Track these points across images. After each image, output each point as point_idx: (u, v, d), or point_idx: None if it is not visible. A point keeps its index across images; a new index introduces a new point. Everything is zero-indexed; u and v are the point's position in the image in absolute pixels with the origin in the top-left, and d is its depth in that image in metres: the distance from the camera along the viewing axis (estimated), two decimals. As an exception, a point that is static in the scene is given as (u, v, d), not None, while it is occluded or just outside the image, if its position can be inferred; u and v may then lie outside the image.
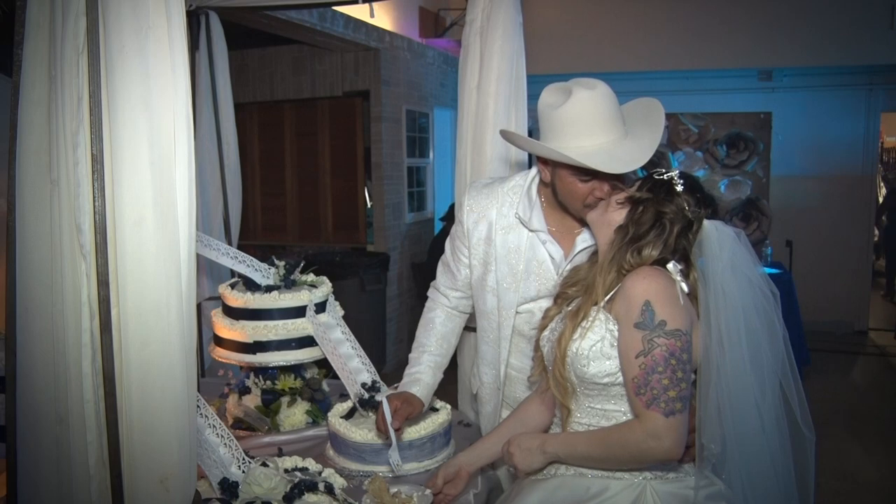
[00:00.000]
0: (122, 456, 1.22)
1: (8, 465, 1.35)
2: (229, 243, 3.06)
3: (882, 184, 8.79)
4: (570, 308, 1.54)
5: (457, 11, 6.13)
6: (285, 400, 2.20)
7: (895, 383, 5.57)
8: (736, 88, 6.83)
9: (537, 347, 1.63)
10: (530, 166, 1.87)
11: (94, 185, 1.18)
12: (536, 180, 1.80)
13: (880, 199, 8.38)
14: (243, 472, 1.61)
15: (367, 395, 1.99)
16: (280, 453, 1.87)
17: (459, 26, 5.79)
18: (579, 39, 6.49)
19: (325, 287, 2.24)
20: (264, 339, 2.12)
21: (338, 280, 2.91)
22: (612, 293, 1.44)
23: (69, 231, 1.21)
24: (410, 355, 1.93)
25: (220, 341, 2.22)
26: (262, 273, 2.27)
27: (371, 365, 2.13)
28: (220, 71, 3.02)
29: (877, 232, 7.91)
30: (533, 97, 1.82)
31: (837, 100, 6.70)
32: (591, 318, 1.44)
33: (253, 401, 2.21)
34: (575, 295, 1.57)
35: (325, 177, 5.75)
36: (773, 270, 5.28)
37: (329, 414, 1.99)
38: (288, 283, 2.22)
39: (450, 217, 5.14)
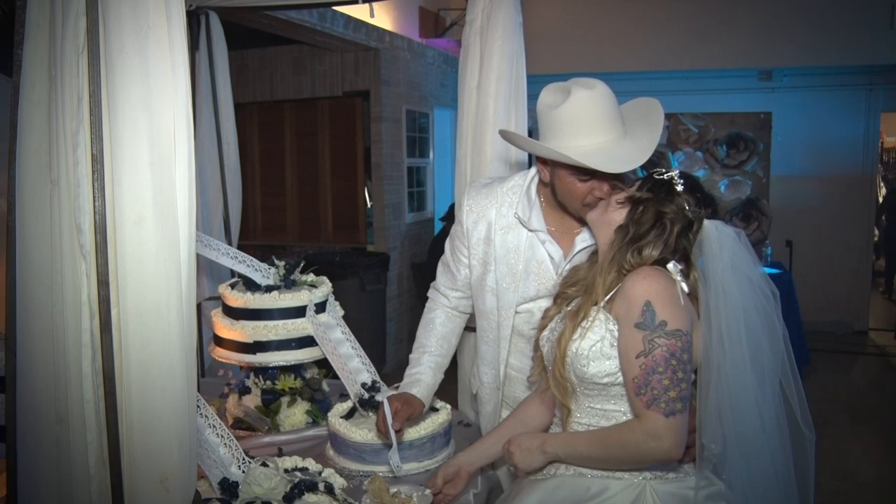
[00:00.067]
0: (122, 456, 1.22)
1: (8, 465, 1.35)
2: (229, 243, 3.06)
3: (882, 184, 8.79)
4: (569, 308, 1.54)
5: (457, 11, 6.13)
6: (285, 400, 2.20)
7: (895, 383, 5.57)
8: (736, 88, 6.83)
9: (537, 347, 1.63)
10: (530, 166, 1.87)
11: (94, 185, 1.18)
12: (536, 180, 1.80)
13: (880, 199, 8.38)
14: (243, 472, 1.61)
15: (367, 395, 1.99)
16: (280, 453, 1.87)
17: (459, 26, 5.79)
18: (579, 39, 6.48)
19: (325, 287, 2.24)
20: (264, 339, 2.12)
21: (338, 280, 2.91)
22: (612, 293, 1.44)
23: (69, 231, 1.21)
24: (411, 356, 1.93)
25: (220, 341, 2.22)
26: (262, 273, 2.27)
27: (371, 365, 2.13)
28: (220, 71, 3.02)
29: (877, 232, 7.91)
30: (533, 97, 1.82)
31: (837, 100, 6.70)
32: (591, 318, 1.44)
33: (253, 401, 2.21)
34: (575, 295, 1.57)
35: (325, 177, 5.75)
36: (773, 270, 5.28)
37: (329, 414, 1.99)
38: (288, 283, 2.22)
39: (450, 217, 5.13)
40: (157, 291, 1.21)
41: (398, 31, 5.74)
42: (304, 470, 1.69)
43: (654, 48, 6.37)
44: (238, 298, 2.15)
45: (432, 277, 2.00)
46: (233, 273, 2.51)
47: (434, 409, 1.97)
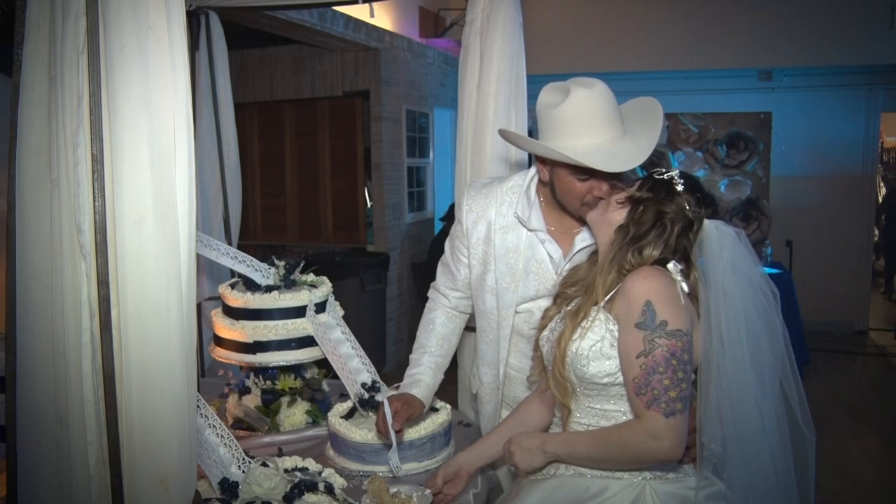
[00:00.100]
0: (122, 456, 1.22)
1: (8, 465, 1.35)
2: (229, 243, 3.06)
3: (882, 184, 8.79)
4: (569, 308, 1.54)
5: (457, 11, 6.13)
6: (285, 400, 2.20)
7: (895, 383, 5.57)
8: (736, 88, 6.83)
9: (537, 347, 1.63)
10: (530, 166, 1.87)
11: (94, 185, 1.18)
12: (535, 180, 1.80)
13: (880, 199, 8.38)
14: (243, 472, 1.61)
15: (367, 395, 1.99)
16: (280, 453, 1.87)
17: (459, 26, 5.79)
18: (579, 39, 6.49)
19: (325, 287, 2.24)
20: (264, 339, 2.12)
21: (338, 280, 2.91)
22: (612, 293, 1.44)
23: (69, 231, 1.21)
24: (411, 356, 1.93)
25: (220, 341, 2.22)
26: (262, 273, 2.27)
27: (371, 365, 2.13)
28: (220, 71, 3.02)
29: (877, 232, 7.91)
30: (533, 97, 1.82)
31: (837, 100, 6.70)
32: (591, 318, 1.44)
33: (253, 401, 2.21)
34: (574, 295, 1.57)
35: (325, 177, 5.75)
36: (773, 270, 5.28)
37: (329, 414, 1.99)
38: (288, 283, 2.22)
39: (450, 217, 5.13)
40: (157, 291, 1.20)
41: (398, 31, 5.74)
42: (304, 470, 1.69)
43: (654, 48, 6.37)
44: (238, 298, 2.15)
45: (432, 277, 2.00)
46: (233, 273, 2.51)
47: (434, 409, 1.97)
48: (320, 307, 2.20)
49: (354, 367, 2.10)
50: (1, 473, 1.55)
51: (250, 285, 2.22)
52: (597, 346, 1.42)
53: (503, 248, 1.81)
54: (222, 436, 1.66)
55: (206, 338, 2.73)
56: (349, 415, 1.98)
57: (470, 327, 2.05)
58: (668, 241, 1.43)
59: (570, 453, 1.46)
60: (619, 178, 1.61)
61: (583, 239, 1.74)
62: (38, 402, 1.29)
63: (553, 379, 1.50)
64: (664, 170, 1.50)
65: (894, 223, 8.33)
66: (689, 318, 1.39)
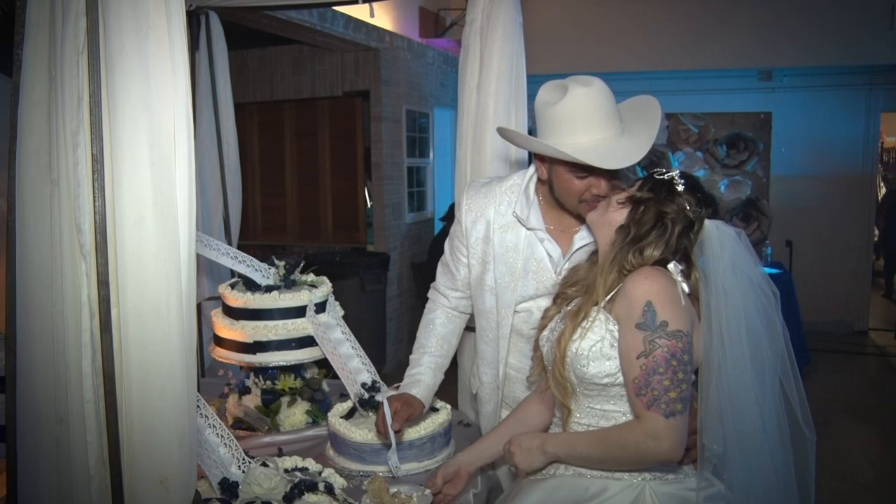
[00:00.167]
0: (122, 456, 1.22)
1: (8, 465, 1.35)
2: (229, 243, 3.06)
3: (882, 184, 8.79)
4: (569, 308, 1.54)
5: (457, 11, 6.13)
6: (285, 400, 2.20)
7: (895, 383, 5.57)
8: (736, 88, 6.83)
9: (536, 347, 1.63)
10: (530, 165, 1.87)
11: (94, 185, 1.18)
12: (534, 179, 1.80)
13: (880, 199, 8.38)
14: (243, 472, 1.61)
15: (367, 395, 1.99)
16: (280, 453, 1.87)
17: (459, 26, 5.79)
18: (579, 39, 6.49)
19: (325, 287, 2.24)
20: (264, 339, 2.12)
21: (338, 280, 2.91)
22: (612, 293, 1.44)
23: (69, 231, 1.21)
24: (411, 356, 1.93)
25: (220, 341, 2.22)
26: (262, 273, 2.27)
27: (371, 365, 2.13)
28: (220, 71, 3.02)
29: (876, 232, 7.91)
30: (533, 97, 1.82)
31: (837, 100, 6.70)
32: (591, 319, 1.44)
33: (253, 401, 2.21)
34: (575, 295, 1.57)
35: (325, 177, 5.75)
36: (773, 270, 5.28)
37: (329, 414, 1.99)
38: (288, 283, 2.22)
39: (450, 217, 5.12)
40: (157, 291, 1.20)
41: (398, 31, 5.74)
42: (304, 470, 1.69)
43: (654, 48, 6.37)
44: (238, 298, 2.15)
45: (432, 277, 2.00)
46: (233, 273, 2.51)
47: (434, 409, 1.97)
48: (320, 307, 2.20)
49: (354, 367, 2.10)
50: (1, 473, 1.55)
51: (250, 285, 2.22)
52: (597, 346, 1.42)
53: (502, 247, 1.81)
54: (222, 436, 1.66)
55: (206, 338, 2.73)
56: (349, 415, 1.98)
57: (470, 327, 2.05)
58: (669, 242, 1.43)
59: (570, 454, 1.46)
60: (616, 175, 1.61)
61: (581, 238, 1.74)
62: (38, 402, 1.29)
63: (553, 379, 1.50)
64: (664, 170, 1.50)
65: (894, 223, 8.33)
66: (690, 319, 1.39)
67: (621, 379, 1.41)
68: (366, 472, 1.81)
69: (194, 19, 2.88)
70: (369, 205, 5.69)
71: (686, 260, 1.46)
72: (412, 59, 5.87)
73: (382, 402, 1.75)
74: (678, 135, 6.49)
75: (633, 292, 1.38)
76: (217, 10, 2.93)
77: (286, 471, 1.66)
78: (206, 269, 3.01)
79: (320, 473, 1.68)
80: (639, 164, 1.69)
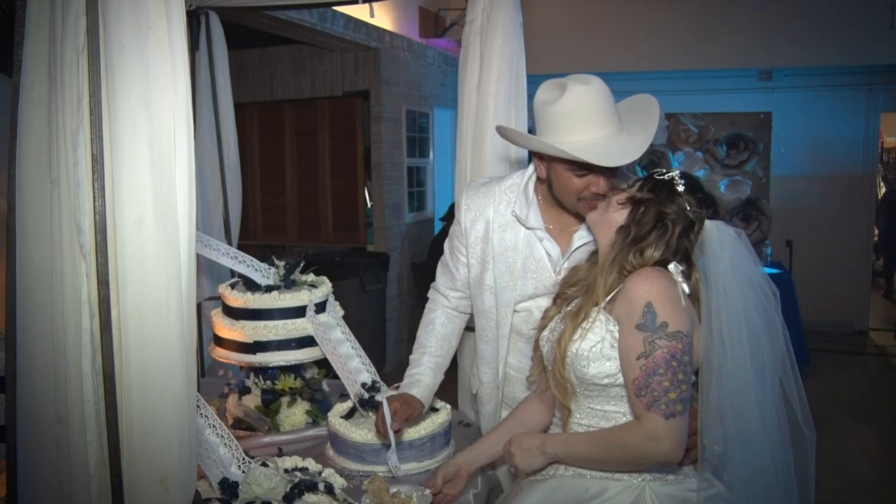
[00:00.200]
0: (122, 456, 1.22)
1: (8, 465, 1.35)
2: (229, 243, 3.06)
3: (882, 184, 8.79)
4: (570, 308, 1.54)
5: (457, 11, 6.13)
6: (285, 400, 2.20)
7: (895, 383, 5.57)
8: (736, 88, 6.83)
9: (536, 347, 1.63)
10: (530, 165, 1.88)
11: (94, 185, 1.18)
12: (533, 178, 1.80)
13: (880, 199, 8.38)
14: (243, 472, 1.61)
15: (367, 395, 1.99)
16: (280, 453, 1.87)
17: (459, 26, 5.79)
18: (579, 39, 6.49)
19: (325, 287, 2.24)
20: (264, 339, 2.12)
21: (338, 280, 2.91)
22: (612, 294, 1.44)
23: (69, 231, 1.21)
24: (411, 356, 1.93)
25: (220, 341, 2.22)
26: (262, 273, 2.27)
27: (371, 365, 2.13)
28: (220, 71, 3.02)
29: (876, 232, 7.91)
30: (533, 97, 1.82)
31: (837, 100, 6.70)
32: (591, 319, 1.44)
33: (253, 401, 2.21)
34: (575, 295, 1.57)
35: (325, 177, 5.75)
36: (773, 270, 5.28)
37: (329, 414, 1.99)
38: (288, 283, 2.22)
39: (450, 217, 5.12)
40: (157, 291, 1.20)
41: (398, 31, 5.74)
42: (304, 470, 1.69)
43: (654, 48, 6.37)
44: (238, 298, 2.15)
45: (432, 277, 2.00)
46: (233, 273, 2.51)
47: (434, 409, 1.97)
48: (320, 307, 2.20)
49: (354, 367, 2.10)
50: (1, 473, 1.55)
51: (250, 285, 2.22)
52: (597, 346, 1.42)
53: (501, 246, 1.81)
54: (222, 436, 1.66)
55: (206, 338, 2.73)
56: (349, 415, 1.98)
57: (469, 327, 2.05)
58: (670, 242, 1.43)
59: (570, 454, 1.46)
60: (615, 173, 1.61)
61: (581, 237, 1.74)
62: (38, 402, 1.29)
63: (553, 379, 1.49)
64: (665, 170, 1.50)
65: (894, 223, 8.34)
66: (690, 320, 1.39)
67: (621, 379, 1.40)
68: (366, 472, 1.81)
69: (194, 19, 2.88)
70: (369, 205, 5.69)
71: (686, 260, 1.46)
72: (412, 59, 5.87)
73: (382, 402, 1.75)
74: (678, 135, 6.49)
75: (634, 293, 1.38)
76: (217, 10, 2.93)
77: (286, 471, 1.66)
78: (206, 269, 3.01)
79: (320, 473, 1.68)
80: (639, 164, 1.69)
